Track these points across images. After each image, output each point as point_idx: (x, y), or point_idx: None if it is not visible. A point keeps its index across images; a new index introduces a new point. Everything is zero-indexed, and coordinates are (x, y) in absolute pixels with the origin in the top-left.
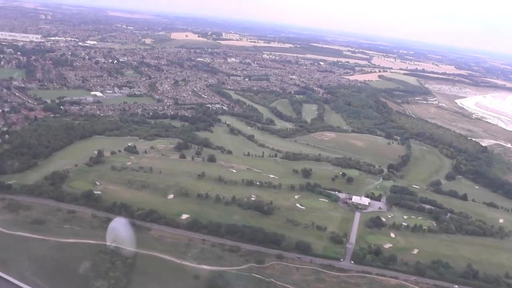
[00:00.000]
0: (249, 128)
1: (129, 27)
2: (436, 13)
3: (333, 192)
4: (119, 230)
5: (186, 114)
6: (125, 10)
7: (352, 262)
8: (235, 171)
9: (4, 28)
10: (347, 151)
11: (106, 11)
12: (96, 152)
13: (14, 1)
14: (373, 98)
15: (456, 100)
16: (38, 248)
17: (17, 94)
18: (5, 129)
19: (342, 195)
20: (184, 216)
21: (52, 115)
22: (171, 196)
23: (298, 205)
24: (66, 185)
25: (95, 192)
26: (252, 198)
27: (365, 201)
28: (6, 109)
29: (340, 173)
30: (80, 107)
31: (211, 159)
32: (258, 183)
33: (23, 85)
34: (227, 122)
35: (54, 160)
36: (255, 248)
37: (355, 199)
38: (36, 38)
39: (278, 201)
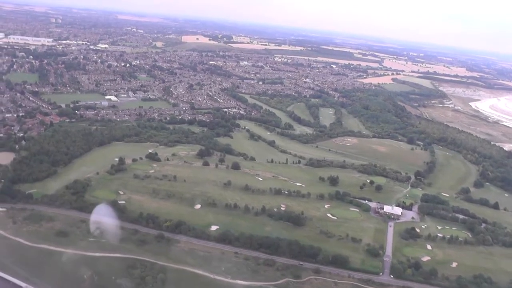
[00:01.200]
0: (268, 133)
1: (139, 30)
2: (445, 15)
3: (363, 201)
4: (104, 217)
5: (204, 119)
6: (134, 14)
7: (392, 276)
8: (261, 179)
9: (15, 32)
10: (371, 157)
11: (115, 14)
12: (117, 159)
13: (25, 5)
14: (391, 102)
15: (470, 103)
16: (64, 263)
17: (31, 98)
18: (21, 134)
19: (372, 204)
20: (214, 228)
21: (68, 120)
22: (198, 206)
23: (329, 215)
24: (89, 194)
25: (119, 202)
26: (282, 208)
27: (398, 210)
28: (21, 114)
29: (368, 180)
30: (96, 111)
31: (236, 166)
32: (286, 192)
33: (36, 89)
34: (246, 127)
35: (74, 167)
36: (291, 261)
37: (387, 208)
38: (47, 41)
39: (308, 211)
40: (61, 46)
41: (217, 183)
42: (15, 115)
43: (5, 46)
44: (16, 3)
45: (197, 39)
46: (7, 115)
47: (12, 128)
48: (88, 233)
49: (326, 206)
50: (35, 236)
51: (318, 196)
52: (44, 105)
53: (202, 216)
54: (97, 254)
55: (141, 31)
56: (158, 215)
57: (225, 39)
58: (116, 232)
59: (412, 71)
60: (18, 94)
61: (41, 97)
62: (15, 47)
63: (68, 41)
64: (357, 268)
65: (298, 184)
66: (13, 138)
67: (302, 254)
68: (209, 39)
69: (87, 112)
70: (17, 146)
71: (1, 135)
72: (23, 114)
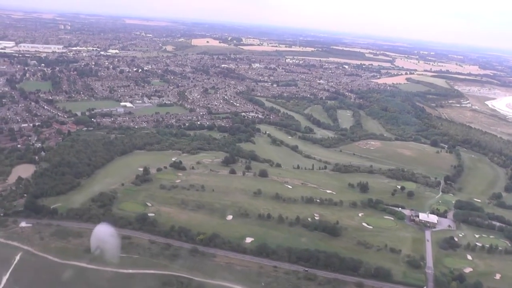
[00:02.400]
0: (289, 137)
1: (148, 35)
2: (451, 13)
3: (396, 209)
4: (104, 236)
5: (223, 124)
6: (142, 18)
7: None
8: (290, 186)
9: (26, 40)
10: (397, 162)
11: (123, 19)
12: (141, 169)
13: (33, 12)
14: (410, 103)
15: (486, 102)
16: (96, 280)
17: (45, 107)
18: (39, 144)
19: (406, 212)
20: (249, 240)
21: (85, 128)
22: (230, 217)
23: (364, 224)
24: (116, 207)
25: (148, 214)
26: (316, 218)
27: (433, 218)
28: (37, 123)
29: (399, 186)
30: (112, 119)
31: (263, 174)
32: (318, 200)
33: (50, 97)
34: (267, 132)
35: (97, 179)
36: (332, 275)
37: (422, 216)
38: (58, 48)
39: (342, 220)
40: (72, 53)
41: (247, 192)
42: (31, 124)
43: (16, 55)
44: (25, 11)
45: (207, 42)
46: (23, 125)
47: (29, 138)
48: (120, 249)
49: (360, 215)
50: (64, 252)
51: (350, 204)
52: (59, 114)
53: (235, 228)
54: (130, 271)
55: (150, 35)
56: (190, 228)
57: (235, 41)
58: (116, 252)
59: (425, 70)
60: (33, 103)
61: (56, 105)
62: (26, 55)
63: (78, 48)
64: (399, 281)
65: (328, 191)
66: (31, 149)
67: (343, 267)
68: (219, 42)
69: (103, 119)
70: (36, 158)
71: (19, 146)
72: (39, 123)
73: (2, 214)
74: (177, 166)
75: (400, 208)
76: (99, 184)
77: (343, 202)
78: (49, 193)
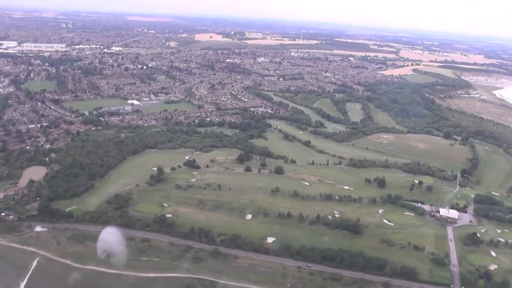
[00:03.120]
0: (301, 132)
1: (150, 31)
2: (455, 1)
3: (416, 204)
4: (111, 239)
5: (233, 120)
6: (143, 14)
7: None
8: (307, 183)
9: (28, 40)
10: (411, 155)
11: (124, 16)
12: (154, 168)
13: (34, 11)
14: (419, 95)
15: (494, 92)
16: (118, 285)
17: (52, 107)
18: (48, 145)
19: (426, 207)
20: (270, 240)
21: (94, 127)
22: (249, 216)
23: (385, 221)
24: (132, 209)
25: (166, 216)
26: (336, 215)
27: (454, 214)
28: (44, 124)
29: (416, 181)
30: (120, 117)
31: (279, 171)
32: (337, 197)
33: (56, 97)
34: (278, 127)
35: (110, 180)
36: (358, 275)
37: (443, 212)
38: (61, 47)
39: (363, 217)
40: (75, 51)
41: (264, 190)
42: (39, 125)
43: (20, 55)
44: (26, 10)
45: (211, 37)
46: (30, 126)
47: (38, 139)
48: (139, 252)
49: (380, 211)
50: (82, 257)
51: (370, 201)
52: (66, 113)
53: (255, 228)
54: (152, 275)
55: (153, 31)
56: (209, 229)
57: (238, 36)
58: (123, 255)
59: (431, 61)
60: (39, 104)
61: (62, 105)
62: (30, 55)
63: (81, 46)
64: (426, 280)
65: (346, 187)
66: (41, 150)
67: (368, 266)
68: (223, 37)
69: (111, 118)
70: (47, 159)
71: (28, 147)
72: (47, 124)
73: (16, 219)
74: (192, 165)
75: (419, 204)
76: (113, 186)
77: (362, 198)
78: (63, 196)
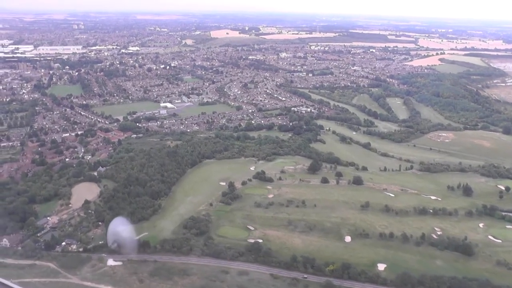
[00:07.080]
0: (354, 133)
1: (163, 29)
2: None
3: None
4: (120, 230)
5: (279, 122)
6: (152, 13)
7: None
8: (392, 195)
9: (43, 43)
10: (479, 155)
11: (134, 15)
12: (222, 183)
13: (43, 14)
14: (462, 87)
15: None
16: None
17: (82, 113)
18: (89, 157)
19: None
20: (381, 267)
21: (134, 135)
22: (348, 238)
23: (491, 237)
24: (214, 234)
25: (253, 240)
26: (439, 233)
27: None
28: (79, 132)
29: (501, 187)
30: (158, 122)
31: (358, 181)
32: (431, 211)
33: (84, 102)
34: (330, 129)
35: (177, 198)
36: None
37: None
38: (77, 49)
39: (467, 234)
40: (93, 53)
41: (351, 205)
42: (73, 134)
43: (38, 58)
44: (35, 13)
45: (227, 33)
46: (64, 134)
47: (76, 149)
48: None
49: (480, 225)
50: None
51: (466, 213)
52: (99, 120)
53: (360, 252)
54: None
55: (165, 29)
56: (312, 256)
57: (253, 31)
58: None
59: (452, 49)
60: (68, 110)
61: (92, 110)
62: (48, 58)
63: (98, 47)
64: None
65: (432, 197)
66: (85, 164)
67: None
68: (239, 33)
69: (149, 123)
70: (95, 174)
71: (67, 160)
72: (82, 132)
73: (81, 249)
74: (262, 178)
75: None
76: (183, 205)
77: (457, 211)
78: (130, 220)
